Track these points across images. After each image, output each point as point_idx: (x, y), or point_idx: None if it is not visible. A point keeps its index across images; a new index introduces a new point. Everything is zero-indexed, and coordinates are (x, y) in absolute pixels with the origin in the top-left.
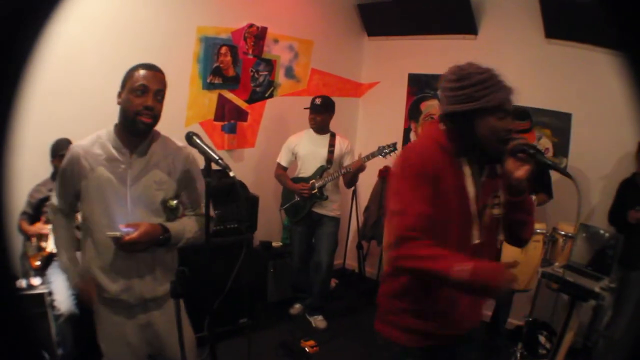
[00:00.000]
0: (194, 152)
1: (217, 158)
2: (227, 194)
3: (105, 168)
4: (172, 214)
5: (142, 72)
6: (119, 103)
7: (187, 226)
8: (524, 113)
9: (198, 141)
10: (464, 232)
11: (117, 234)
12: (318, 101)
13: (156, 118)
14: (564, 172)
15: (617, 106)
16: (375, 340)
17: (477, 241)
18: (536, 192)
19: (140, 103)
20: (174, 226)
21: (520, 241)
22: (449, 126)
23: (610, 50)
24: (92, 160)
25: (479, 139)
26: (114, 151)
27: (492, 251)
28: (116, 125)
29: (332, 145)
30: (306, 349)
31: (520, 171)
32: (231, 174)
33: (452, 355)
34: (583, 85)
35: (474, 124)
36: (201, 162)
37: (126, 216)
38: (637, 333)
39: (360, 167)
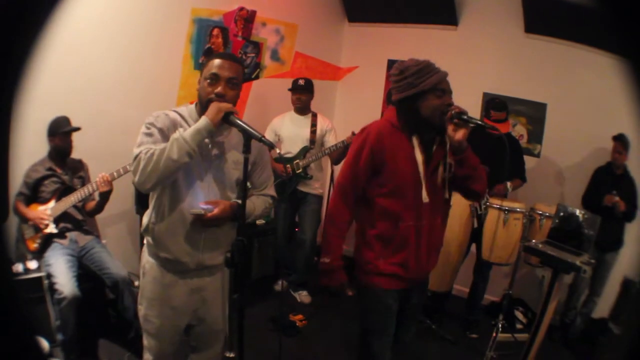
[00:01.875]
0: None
1: (259, 136)
2: None
3: None
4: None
5: (216, 61)
6: (197, 89)
7: (256, 204)
8: (501, 104)
9: (237, 120)
10: (416, 192)
11: (201, 211)
12: (302, 82)
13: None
14: (487, 126)
15: (590, 98)
16: (359, 294)
17: (426, 200)
18: (511, 178)
19: (211, 90)
20: (247, 205)
21: (474, 194)
22: (399, 111)
23: (588, 47)
24: (178, 129)
25: (424, 116)
26: None
27: (442, 207)
28: (196, 106)
29: (314, 125)
30: (296, 322)
31: (459, 134)
32: (277, 151)
33: (409, 293)
34: (559, 78)
35: (418, 106)
36: None
37: (205, 190)
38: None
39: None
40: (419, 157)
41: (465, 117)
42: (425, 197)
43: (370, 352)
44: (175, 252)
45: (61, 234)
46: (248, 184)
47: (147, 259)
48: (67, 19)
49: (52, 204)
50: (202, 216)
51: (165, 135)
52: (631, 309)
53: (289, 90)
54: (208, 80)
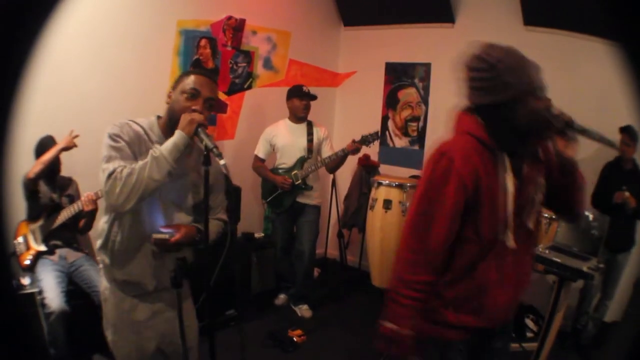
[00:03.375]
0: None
1: (212, 146)
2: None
3: None
4: (198, 215)
5: (197, 77)
6: (168, 102)
7: (212, 228)
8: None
9: (203, 134)
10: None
11: (165, 235)
12: (306, 89)
13: None
14: (610, 143)
15: (594, 90)
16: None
17: (513, 246)
18: None
19: (189, 106)
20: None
21: (575, 215)
22: (485, 118)
23: (590, 37)
24: (144, 145)
25: (522, 126)
26: (157, 143)
27: (534, 243)
28: (159, 120)
29: (310, 134)
30: (294, 338)
31: (570, 149)
32: (221, 162)
33: (489, 347)
34: (561, 70)
35: (514, 112)
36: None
37: (165, 212)
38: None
39: (354, 149)
40: (510, 185)
41: (578, 126)
42: (512, 242)
43: None
44: (134, 273)
45: (50, 251)
46: None
47: (105, 284)
48: (51, 36)
49: (42, 221)
50: (166, 241)
51: (132, 149)
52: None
53: (293, 96)
54: (187, 95)
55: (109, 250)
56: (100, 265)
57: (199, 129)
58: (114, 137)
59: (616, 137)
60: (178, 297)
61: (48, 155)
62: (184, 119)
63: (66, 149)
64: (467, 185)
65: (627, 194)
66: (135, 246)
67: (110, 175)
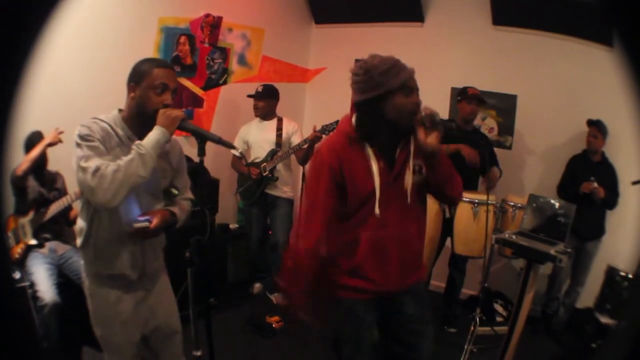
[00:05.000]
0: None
1: (217, 138)
2: (192, 177)
3: (120, 151)
4: (169, 199)
5: (162, 70)
6: (132, 97)
7: (183, 209)
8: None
9: (191, 125)
10: (370, 206)
11: (145, 223)
12: (260, 88)
13: None
14: (455, 127)
15: (561, 87)
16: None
17: (377, 214)
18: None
19: (160, 101)
20: (176, 211)
21: (449, 199)
22: (359, 114)
23: (557, 35)
24: (111, 140)
25: (390, 118)
26: (125, 138)
27: (415, 213)
28: (121, 113)
29: (279, 128)
30: (272, 324)
31: (431, 138)
32: (234, 152)
33: (395, 304)
34: (528, 68)
35: (384, 107)
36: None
37: (139, 201)
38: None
39: (315, 138)
40: (374, 167)
41: (438, 119)
42: (377, 210)
43: None
44: (117, 266)
45: (40, 244)
46: (174, 190)
47: (89, 280)
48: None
49: (31, 215)
50: (147, 229)
51: (105, 145)
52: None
53: (249, 96)
54: (157, 90)
55: (91, 246)
56: (82, 262)
57: (184, 124)
58: (86, 137)
59: (582, 130)
60: (190, 277)
61: (35, 152)
62: (163, 116)
63: (52, 144)
64: (334, 171)
65: (595, 184)
66: (116, 239)
67: (95, 172)
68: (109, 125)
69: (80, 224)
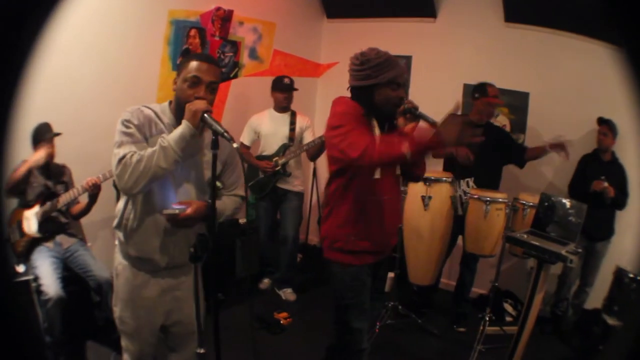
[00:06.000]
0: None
1: (222, 131)
2: None
3: None
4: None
5: (197, 63)
6: (174, 89)
7: (227, 205)
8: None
9: (209, 119)
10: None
11: (175, 211)
12: (287, 80)
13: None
14: (433, 121)
15: (573, 85)
16: (330, 270)
17: (377, 177)
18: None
19: (192, 93)
20: (218, 204)
21: (414, 178)
22: (354, 96)
23: (569, 34)
24: (155, 128)
25: (377, 105)
26: (170, 126)
27: (396, 182)
28: (170, 104)
29: (293, 123)
30: (280, 320)
31: (408, 127)
32: (234, 145)
33: (376, 273)
34: (541, 66)
35: (373, 95)
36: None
37: (177, 189)
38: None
39: None
40: (377, 132)
41: (417, 112)
42: (377, 173)
43: (350, 328)
44: (146, 249)
45: (46, 238)
46: (218, 183)
47: (119, 260)
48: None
49: (36, 208)
50: (176, 216)
51: (142, 132)
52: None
53: (275, 89)
54: (188, 83)
55: (122, 227)
56: (116, 242)
57: (205, 116)
58: (125, 123)
59: (593, 128)
60: (195, 271)
61: (19, 173)
62: (188, 109)
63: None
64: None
65: (605, 183)
66: (147, 223)
67: (120, 160)
68: (155, 113)
69: (119, 205)
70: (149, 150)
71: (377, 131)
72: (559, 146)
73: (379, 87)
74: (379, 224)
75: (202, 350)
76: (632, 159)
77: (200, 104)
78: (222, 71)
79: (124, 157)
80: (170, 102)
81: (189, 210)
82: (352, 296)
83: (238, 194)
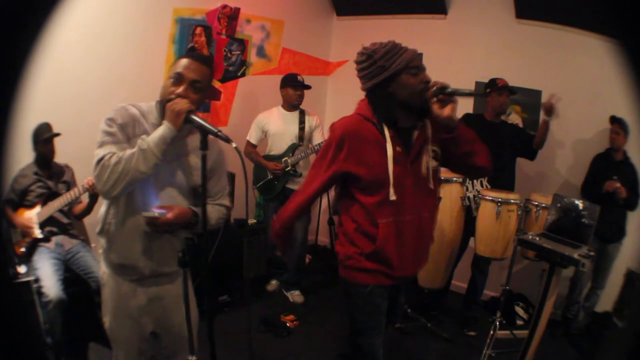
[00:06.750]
0: (224, 146)
1: (216, 131)
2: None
3: None
4: (197, 199)
5: (183, 61)
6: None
7: (211, 214)
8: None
9: (195, 118)
10: (387, 190)
11: (155, 214)
12: (301, 78)
13: None
14: (476, 93)
15: (586, 82)
16: (345, 293)
17: (393, 198)
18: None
19: (171, 91)
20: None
21: (479, 170)
22: (372, 100)
23: (581, 31)
24: (139, 127)
25: (402, 99)
26: (154, 125)
27: (429, 199)
28: (157, 104)
29: (302, 122)
30: (287, 323)
31: (446, 110)
32: (233, 144)
33: (396, 291)
34: (553, 63)
35: (393, 89)
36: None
37: (158, 193)
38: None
39: None
40: (389, 151)
41: (449, 90)
42: (392, 194)
43: (362, 353)
44: (129, 255)
45: (47, 238)
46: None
47: (103, 269)
48: (54, 29)
49: (37, 208)
50: (155, 220)
51: (125, 132)
52: (635, 302)
53: (288, 85)
54: (171, 80)
55: (105, 233)
56: (100, 250)
57: (191, 116)
58: (108, 122)
59: (607, 127)
60: (184, 276)
61: (17, 221)
62: (170, 109)
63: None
64: (342, 151)
65: (618, 184)
66: (129, 229)
67: (99, 161)
68: (141, 112)
69: (101, 210)
70: (128, 152)
71: (389, 145)
72: (547, 108)
73: (396, 78)
74: (398, 245)
75: (193, 358)
76: None
77: (182, 104)
78: (212, 73)
79: (102, 158)
80: (157, 102)
81: (169, 215)
82: (365, 320)
83: (223, 203)
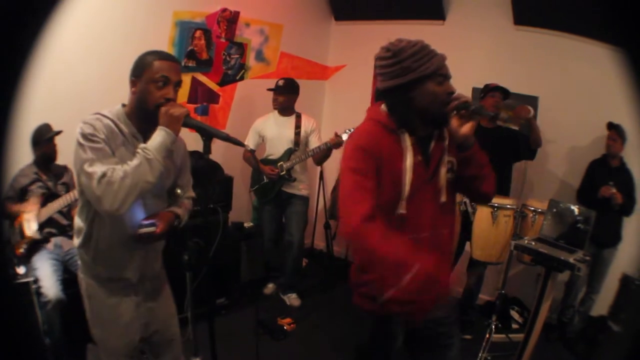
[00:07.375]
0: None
1: (225, 135)
2: (204, 175)
3: (125, 150)
4: (173, 200)
5: (165, 63)
6: (134, 92)
7: (186, 209)
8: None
9: (194, 121)
10: (414, 202)
11: (152, 228)
12: (281, 82)
13: None
14: (500, 118)
15: (583, 89)
16: (351, 315)
17: (403, 211)
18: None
19: (161, 95)
20: (180, 212)
21: (483, 196)
22: (388, 102)
23: (579, 37)
24: (116, 139)
25: (422, 107)
26: (129, 135)
27: (448, 214)
28: (125, 109)
29: (297, 126)
30: (284, 326)
31: (465, 128)
32: (248, 147)
33: (426, 327)
34: (550, 70)
35: (414, 95)
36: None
37: (141, 203)
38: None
39: (337, 143)
40: (408, 161)
41: (473, 107)
42: (403, 207)
43: None
44: (118, 268)
45: (46, 239)
46: (179, 190)
47: (87, 281)
48: (55, 29)
49: (36, 210)
50: (153, 234)
51: (109, 145)
52: (631, 306)
53: (269, 90)
54: (157, 83)
55: (92, 248)
56: (79, 262)
57: (190, 120)
58: (89, 137)
59: (604, 133)
60: (189, 280)
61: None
62: (167, 115)
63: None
64: (373, 155)
65: (613, 189)
66: (118, 242)
67: (101, 179)
68: (113, 122)
69: (79, 223)
70: (131, 164)
71: (409, 157)
72: (520, 115)
73: (420, 83)
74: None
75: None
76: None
77: (179, 108)
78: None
79: (103, 175)
80: (124, 106)
81: (161, 225)
82: (375, 346)
83: (190, 195)
